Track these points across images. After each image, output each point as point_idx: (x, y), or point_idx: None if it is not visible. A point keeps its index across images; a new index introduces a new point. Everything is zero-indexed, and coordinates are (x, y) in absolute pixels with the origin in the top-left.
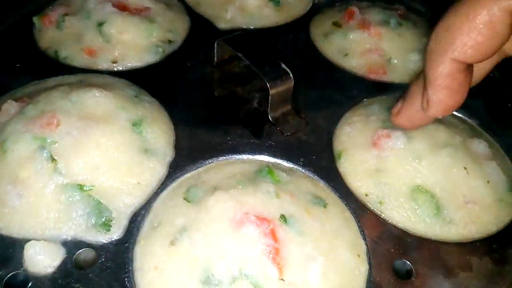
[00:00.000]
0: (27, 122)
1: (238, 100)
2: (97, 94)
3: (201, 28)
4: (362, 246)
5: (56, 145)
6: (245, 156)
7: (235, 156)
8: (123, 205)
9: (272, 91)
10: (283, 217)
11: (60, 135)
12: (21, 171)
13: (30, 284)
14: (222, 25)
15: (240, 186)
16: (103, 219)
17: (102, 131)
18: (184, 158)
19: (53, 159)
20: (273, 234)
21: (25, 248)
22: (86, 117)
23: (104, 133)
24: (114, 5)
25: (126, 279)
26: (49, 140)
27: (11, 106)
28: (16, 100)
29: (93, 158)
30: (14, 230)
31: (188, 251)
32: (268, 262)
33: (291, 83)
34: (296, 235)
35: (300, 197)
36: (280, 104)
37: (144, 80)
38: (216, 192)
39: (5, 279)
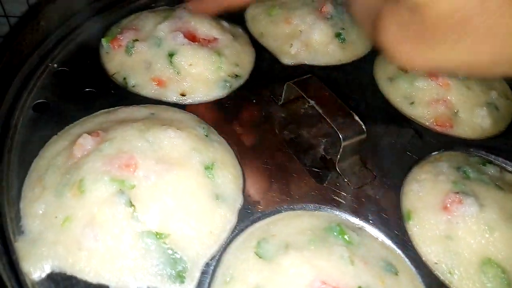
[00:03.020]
0: (105, 161)
1: (304, 144)
2: (172, 135)
3: (265, 62)
4: None
5: (134, 189)
6: (311, 205)
7: (302, 205)
8: (196, 255)
9: (344, 143)
10: None
11: (138, 179)
12: (99, 214)
13: None
14: (286, 60)
15: (313, 247)
16: (177, 270)
17: (177, 176)
18: (252, 205)
19: (131, 204)
20: None
21: None
22: (163, 159)
23: (180, 178)
24: (185, 36)
25: None
26: (127, 184)
27: (86, 141)
28: (89, 133)
29: (169, 204)
30: (90, 275)
31: None
32: None
33: (363, 136)
34: None
35: (373, 264)
36: (349, 155)
37: (212, 116)
38: (290, 252)
39: None
